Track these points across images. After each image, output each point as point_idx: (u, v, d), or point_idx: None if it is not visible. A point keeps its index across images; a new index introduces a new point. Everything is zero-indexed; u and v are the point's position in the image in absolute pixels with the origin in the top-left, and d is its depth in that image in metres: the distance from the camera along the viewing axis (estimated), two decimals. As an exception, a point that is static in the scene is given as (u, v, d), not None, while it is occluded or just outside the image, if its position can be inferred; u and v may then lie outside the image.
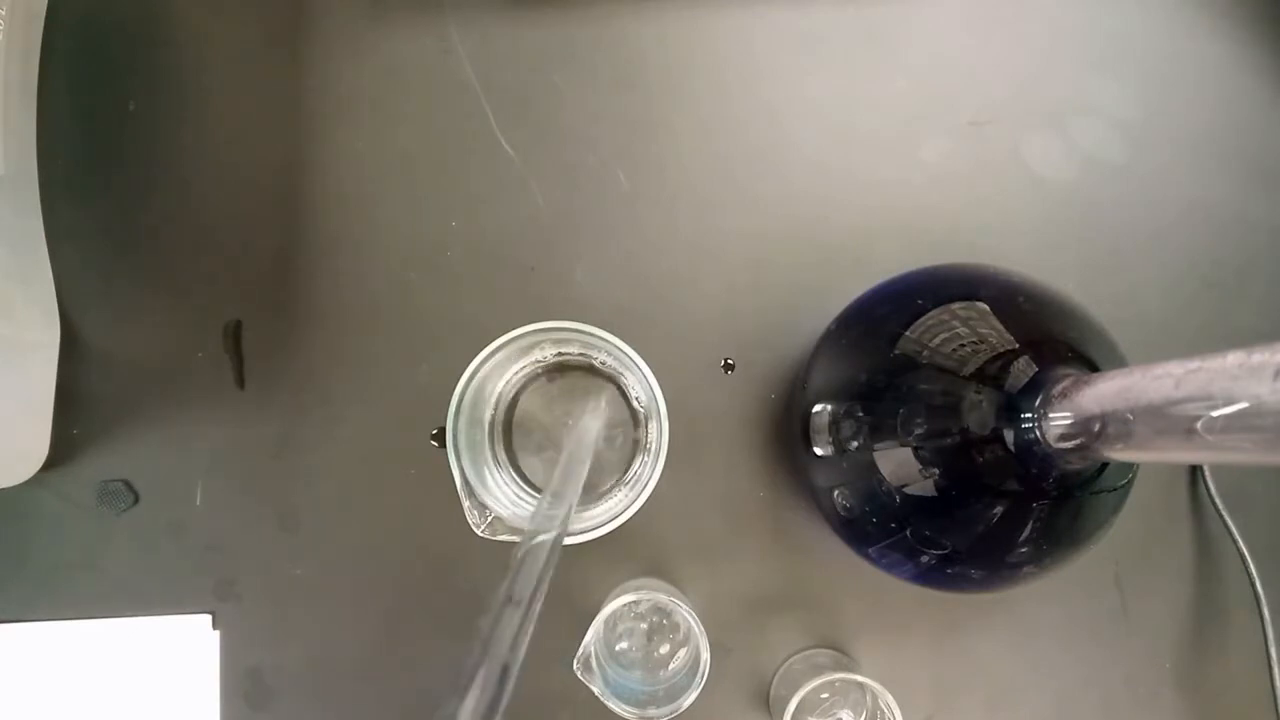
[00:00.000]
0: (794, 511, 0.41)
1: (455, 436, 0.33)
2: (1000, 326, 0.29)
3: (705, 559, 0.41)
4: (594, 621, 0.35)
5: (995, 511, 0.29)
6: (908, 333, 0.31)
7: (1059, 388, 0.25)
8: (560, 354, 0.39)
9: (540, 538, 0.23)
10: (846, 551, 0.35)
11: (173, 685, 0.41)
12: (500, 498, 0.36)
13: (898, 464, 0.30)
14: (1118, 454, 0.23)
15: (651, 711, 0.35)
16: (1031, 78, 0.42)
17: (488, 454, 0.38)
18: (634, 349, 0.33)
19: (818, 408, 0.33)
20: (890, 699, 0.35)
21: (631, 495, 0.34)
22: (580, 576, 0.40)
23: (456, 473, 0.33)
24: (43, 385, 0.40)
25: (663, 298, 0.42)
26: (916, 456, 0.30)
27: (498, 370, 0.38)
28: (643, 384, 0.34)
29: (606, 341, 0.33)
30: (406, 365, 0.41)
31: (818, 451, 0.33)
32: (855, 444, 0.32)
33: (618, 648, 0.40)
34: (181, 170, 0.42)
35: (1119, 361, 0.29)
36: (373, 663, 0.41)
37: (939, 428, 0.29)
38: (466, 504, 0.33)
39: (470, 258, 0.42)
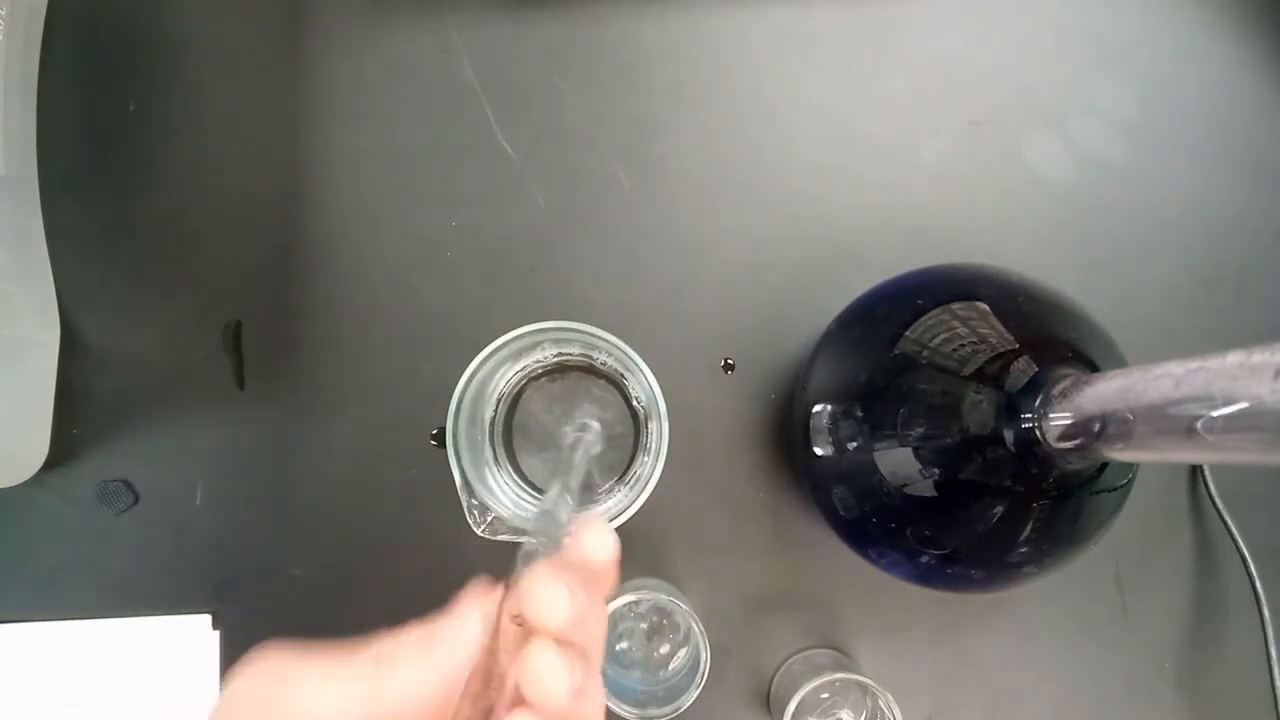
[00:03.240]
0: (794, 511, 0.41)
1: (455, 436, 0.33)
2: (1000, 326, 0.29)
3: (705, 559, 0.41)
4: (594, 621, 0.35)
5: (995, 511, 0.29)
6: (908, 333, 0.31)
7: (1059, 388, 0.25)
8: (560, 354, 0.39)
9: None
10: (846, 551, 0.35)
11: (173, 685, 0.41)
12: (500, 498, 0.36)
13: (898, 464, 0.30)
14: (1118, 454, 0.23)
15: (651, 711, 0.35)
16: (1032, 78, 0.42)
17: (488, 454, 0.38)
18: (634, 349, 0.33)
19: (818, 408, 0.33)
20: (890, 699, 0.35)
21: (631, 495, 0.34)
22: (580, 576, 0.40)
23: (456, 473, 0.33)
24: (43, 385, 0.40)
25: (663, 297, 0.42)
26: (916, 456, 0.30)
27: (498, 370, 0.38)
28: (643, 384, 0.34)
29: (607, 341, 0.33)
30: (406, 365, 0.41)
31: (818, 451, 0.33)
32: (855, 444, 0.32)
33: (618, 648, 0.40)
34: (181, 170, 0.42)
35: (1119, 361, 0.29)
36: (373, 663, 0.41)
37: (939, 428, 0.29)
38: (466, 504, 0.34)
39: (470, 258, 0.42)
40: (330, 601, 0.41)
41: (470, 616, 0.21)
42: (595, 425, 0.37)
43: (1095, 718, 0.41)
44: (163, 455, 0.41)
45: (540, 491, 0.39)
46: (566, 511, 0.27)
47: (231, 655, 0.41)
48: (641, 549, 0.41)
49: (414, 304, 0.42)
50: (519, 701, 0.20)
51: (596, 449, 0.36)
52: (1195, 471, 0.42)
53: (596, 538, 0.23)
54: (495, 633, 0.21)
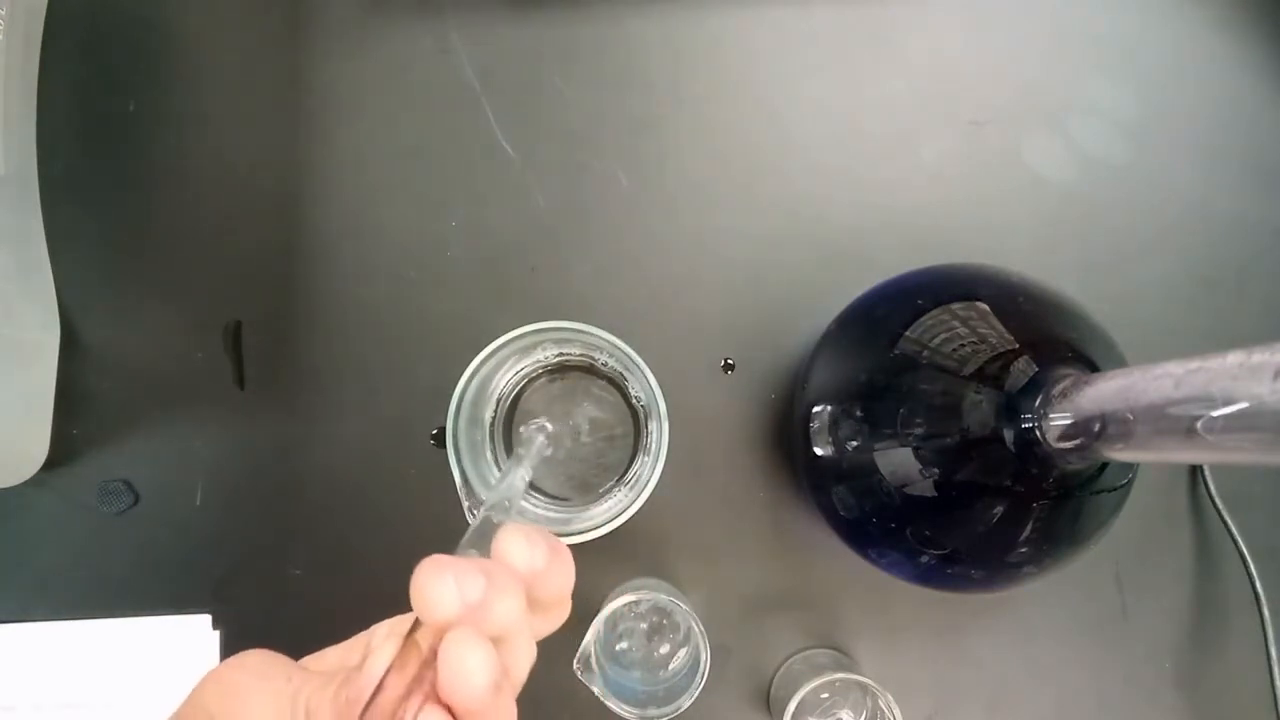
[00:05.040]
0: (794, 511, 0.41)
1: (455, 436, 0.33)
2: (1000, 326, 0.29)
3: (705, 559, 0.41)
4: (594, 621, 0.35)
5: (995, 511, 0.29)
6: (908, 333, 0.31)
7: (1059, 388, 0.25)
8: (561, 354, 0.39)
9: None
10: (846, 551, 0.35)
11: (173, 685, 0.41)
12: (500, 498, 0.36)
13: (898, 464, 0.30)
14: (1118, 454, 0.23)
15: (651, 711, 0.35)
16: (1032, 78, 0.42)
17: (488, 454, 0.38)
18: (634, 349, 0.33)
19: (818, 408, 0.33)
20: (890, 699, 0.35)
21: (631, 495, 0.34)
22: (580, 576, 0.40)
23: (456, 473, 0.33)
24: (43, 385, 0.40)
25: (663, 298, 0.42)
26: (916, 456, 0.29)
27: (498, 370, 0.38)
28: (643, 384, 0.34)
29: (607, 342, 0.33)
30: (406, 365, 0.41)
31: (818, 451, 0.33)
32: (855, 444, 0.32)
33: (618, 648, 0.40)
34: (181, 170, 0.42)
35: (1119, 361, 0.29)
36: (373, 663, 0.41)
37: (939, 428, 0.29)
38: (466, 504, 0.33)
39: (470, 258, 0.42)
40: (330, 601, 0.41)
41: (380, 651, 0.20)
42: (550, 428, 0.37)
43: (1095, 718, 0.41)
44: (163, 455, 0.41)
45: (540, 492, 0.39)
46: (513, 495, 0.27)
47: (231, 655, 0.41)
48: (641, 549, 0.41)
49: (414, 304, 0.42)
50: (433, 696, 0.19)
51: (549, 452, 0.35)
52: (1195, 471, 0.42)
53: (508, 541, 0.22)
54: (414, 626, 0.20)
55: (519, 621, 0.21)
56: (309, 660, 0.25)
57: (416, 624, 0.20)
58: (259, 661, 0.24)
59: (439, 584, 0.19)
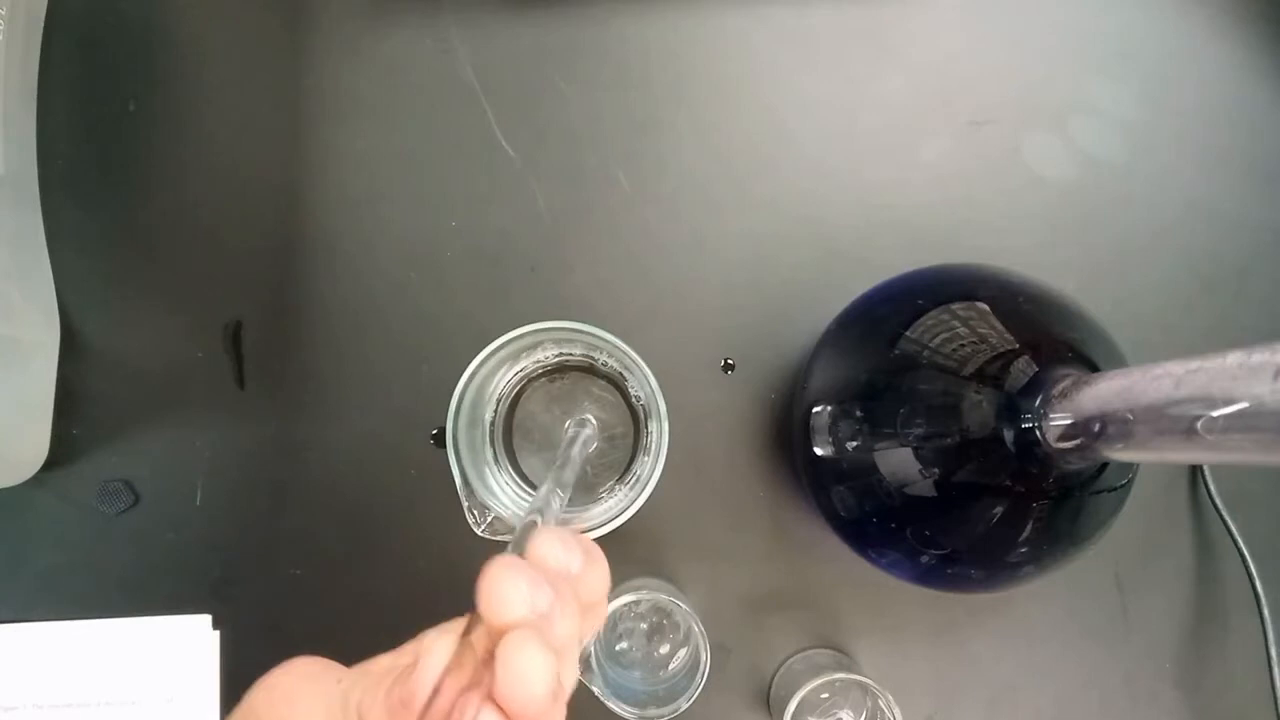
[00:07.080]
0: (794, 511, 0.41)
1: (455, 436, 0.33)
2: (1000, 326, 0.29)
3: (705, 559, 0.41)
4: (594, 621, 0.35)
5: (995, 511, 0.29)
6: (908, 333, 0.31)
7: (1059, 388, 0.25)
8: (561, 354, 0.39)
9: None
10: (846, 551, 0.35)
11: (173, 685, 0.41)
12: (500, 498, 0.36)
13: (898, 464, 0.30)
14: (1118, 454, 0.23)
15: (651, 711, 0.35)
16: (1031, 78, 0.42)
17: (488, 454, 0.38)
18: (634, 349, 0.33)
19: (818, 408, 0.33)
20: (890, 699, 0.35)
21: (631, 495, 0.34)
22: (580, 576, 0.40)
23: (456, 473, 0.33)
24: (43, 385, 0.40)
25: (663, 298, 0.42)
26: (916, 456, 0.30)
27: (498, 370, 0.38)
28: (643, 384, 0.34)
29: (607, 342, 0.33)
30: (406, 365, 0.41)
31: (818, 451, 0.33)
32: (855, 444, 0.32)
33: (618, 648, 0.40)
34: (181, 170, 0.42)
35: (1119, 361, 0.29)
36: (373, 663, 0.41)
37: (939, 428, 0.29)
38: (466, 504, 0.34)
39: (470, 258, 0.42)
40: (330, 601, 0.41)
41: (436, 652, 0.20)
42: (593, 421, 0.37)
43: (1095, 718, 0.41)
44: (163, 455, 0.41)
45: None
46: (558, 505, 0.26)
47: (231, 655, 0.41)
48: (641, 549, 0.41)
49: (414, 304, 0.42)
50: (489, 699, 0.19)
51: (594, 445, 0.36)
52: (1195, 471, 0.42)
53: (545, 545, 0.22)
54: (469, 626, 0.20)
55: (575, 638, 0.21)
56: (358, 669, 0.25)
57: (471, 625, 0.20)
58: (307, 666, 0.24)
59: (512, 585, 0.19)
